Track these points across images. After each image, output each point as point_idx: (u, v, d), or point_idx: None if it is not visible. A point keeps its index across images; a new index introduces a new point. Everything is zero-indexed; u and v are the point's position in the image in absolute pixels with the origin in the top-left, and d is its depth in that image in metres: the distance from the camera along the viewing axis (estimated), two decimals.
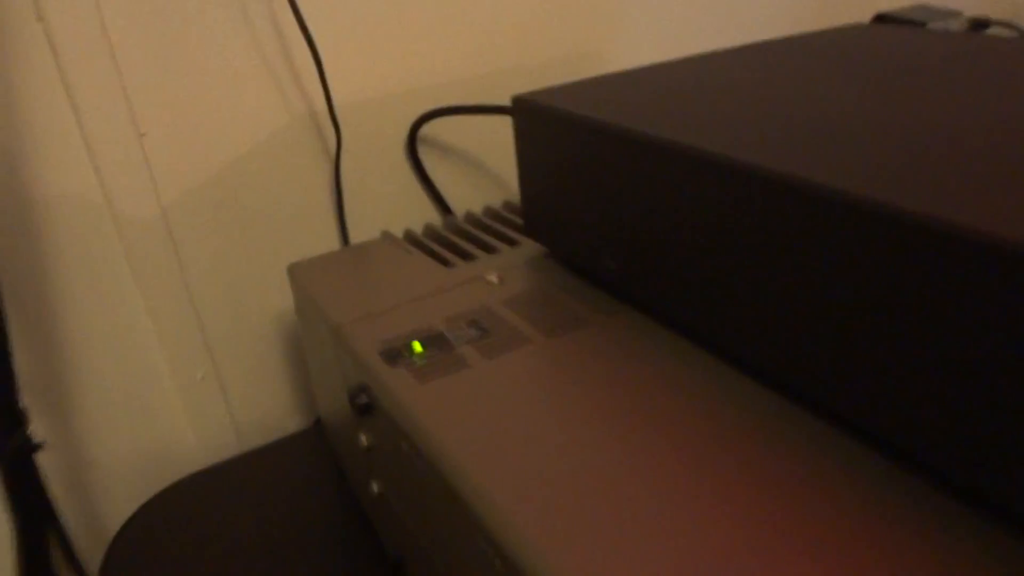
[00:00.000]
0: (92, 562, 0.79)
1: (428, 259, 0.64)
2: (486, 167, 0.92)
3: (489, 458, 0.39)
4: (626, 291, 0.51)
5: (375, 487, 0.57)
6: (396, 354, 0.50)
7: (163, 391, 0.81)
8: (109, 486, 0.81)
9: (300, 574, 0.61)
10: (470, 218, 0.74)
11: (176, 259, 0.77)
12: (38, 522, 0.67)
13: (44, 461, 0.76)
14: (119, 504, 0.81)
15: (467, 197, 0.91)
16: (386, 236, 0.71)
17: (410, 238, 0.72)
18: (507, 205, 0.75)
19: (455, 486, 0.39)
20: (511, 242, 0.66)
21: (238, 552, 0.66)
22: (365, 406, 0.51)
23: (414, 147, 0.84)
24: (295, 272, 0.66)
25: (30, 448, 0.66)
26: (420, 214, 0.89)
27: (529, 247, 0.64)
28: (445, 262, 0.63)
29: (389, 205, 0.87)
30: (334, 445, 0.72)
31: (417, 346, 0.51)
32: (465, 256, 0.64)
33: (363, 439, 0.55)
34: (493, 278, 0.58)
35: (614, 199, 0.49)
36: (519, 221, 0.70)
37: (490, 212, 0.74)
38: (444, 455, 0.40)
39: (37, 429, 0.75)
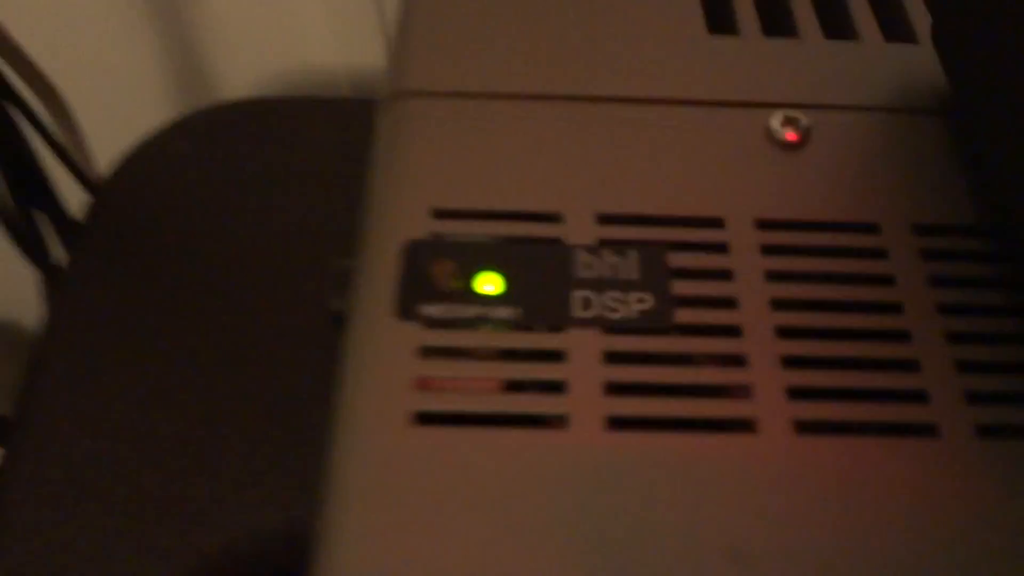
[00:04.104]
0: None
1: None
2: None
3: None
4: None
5: None
6: (430, 283, 0.19)
7: None
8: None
9: None
10: None
11: None
12: None
13: None
14: None
15: None
16: None
17: None
18: None
19: None
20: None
21: None
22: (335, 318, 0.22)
23: None
24: None
25: None
26: None
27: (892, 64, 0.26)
28: (725, 22, 0.26)
29: None
30: None
31: (497, 282, 0.19)
32: (776, 25, 0.27)
33: None
34: (779, 124, 0.23)
35: None
36: None
37: None
38: None
39: None
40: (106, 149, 0.49)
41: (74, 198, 0.48)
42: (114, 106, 0.58)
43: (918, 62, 0.25)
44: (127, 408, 0.41)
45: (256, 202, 0.45)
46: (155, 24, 0.56)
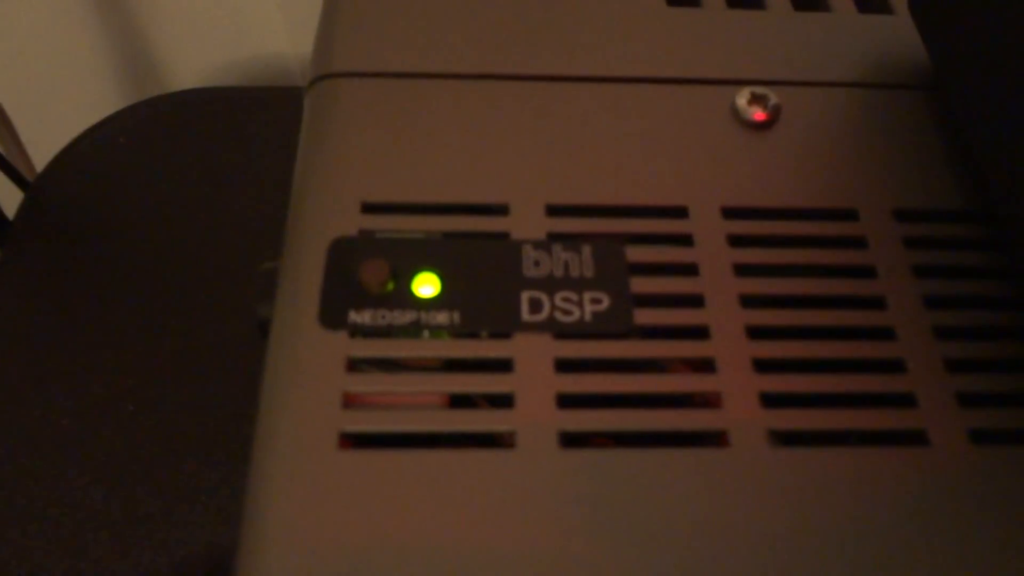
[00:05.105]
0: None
1: None
2: None
3: None
4: None
5: None
6: (359, 287, 0.17)
7: None
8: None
9: None
10: None
11: None
12: None
13: None
14: None
15: None
16: None
17: None
18: None
19: None
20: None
21: None
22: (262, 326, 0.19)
23: None
24: None
25: None
26: None
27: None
28: None
29: None
30: None
31: (435, 283, 0.17)
32: None
33: None
34: (746, 103, 0.21)
35: None
36: None
37: None
38: None
39: None
40: (51, 147, 0.46)
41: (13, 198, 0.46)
42: (59, 102, 0.55)
43: (894, 33, 0.23)
44: (68, 420, 0.38)
45: (200, 197, 0.43)
46: (99, 11, 0.54)
